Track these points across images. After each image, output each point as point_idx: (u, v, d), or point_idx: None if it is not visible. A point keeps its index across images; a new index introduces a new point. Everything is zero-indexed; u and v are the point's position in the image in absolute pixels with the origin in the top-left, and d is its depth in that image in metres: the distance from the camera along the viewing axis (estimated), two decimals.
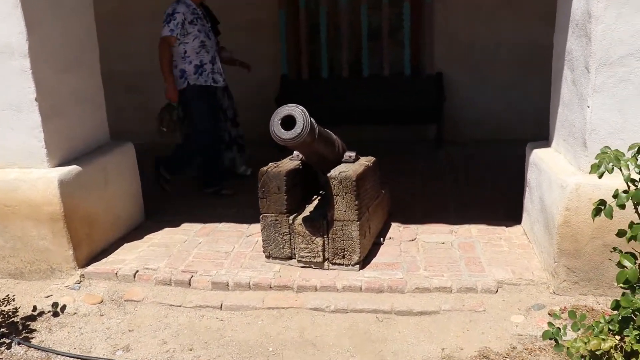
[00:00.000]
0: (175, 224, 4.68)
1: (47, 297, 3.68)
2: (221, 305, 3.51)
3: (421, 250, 4.03)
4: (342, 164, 3.94)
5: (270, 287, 3.64)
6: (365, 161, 4.09)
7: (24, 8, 3.55)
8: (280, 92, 7.15)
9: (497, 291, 3.50)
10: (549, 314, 3.25)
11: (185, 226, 4.64)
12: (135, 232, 4.52)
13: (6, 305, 3.62)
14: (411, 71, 7.46)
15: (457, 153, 6.86)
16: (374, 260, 3.88)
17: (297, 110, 3.37)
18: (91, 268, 3.92)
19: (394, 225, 4.49)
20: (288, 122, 3.37)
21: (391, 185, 4.79)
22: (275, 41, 7.48)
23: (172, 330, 3.31)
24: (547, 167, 3.66)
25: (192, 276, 3.77)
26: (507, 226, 4.37)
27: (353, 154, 4.05)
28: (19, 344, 3.21)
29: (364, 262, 3.80)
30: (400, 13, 7.36)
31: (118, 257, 4.10)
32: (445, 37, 7.22)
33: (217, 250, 4.16)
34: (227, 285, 3.68)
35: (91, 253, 4.03)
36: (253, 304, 3.49)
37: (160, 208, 5.07)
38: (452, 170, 6.20)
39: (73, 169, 3.88)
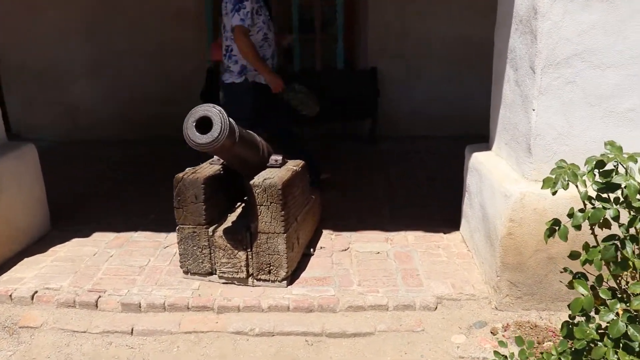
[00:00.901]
0: (86, 233, 4.21)
1: None
2: (132, 330, 3.11)
3: (354, 261, 3.73)
4: (267, 170, 3.58)
5: (188, 308, 3.25)
6: (293, 165, 3.74)
7: None
8: (205, 86, 6.69)
9: (436, 308, 3.25)
10: (492, 332, 3.06)
11: (97, 236, 4.18)
12: (38, 245, 4.03)
13: None
14: (345, 65, 7.18)
15: (392, 149, 6.65)
16: (303, 275, 3.55)
17: (213, 111, 2.97)
18: None
19: (325, 232, 4.17)
20: (204, 125, 2.97)
21: (323, 187, 4.48)
22: (201, 32, 7.04)
23: None
24: (488, 172, 3.42)
25: (99, 296, 3.34)
26: (444, 232, 4.14)
27: (279, 158, 3.68)
28: None
29: (292, 277, 3.47)
30: (334, 5, 7.07)
31: (15, 275, 3.61)
32: (379, 30, 6.95)
33: (130, 265, 3.73)
34: (139, 307, 3.27)
35: None
36: (168, 328, 3.11)
37: (70, 215, 4.59)
38: (387, 168, 5.98)
39: None
